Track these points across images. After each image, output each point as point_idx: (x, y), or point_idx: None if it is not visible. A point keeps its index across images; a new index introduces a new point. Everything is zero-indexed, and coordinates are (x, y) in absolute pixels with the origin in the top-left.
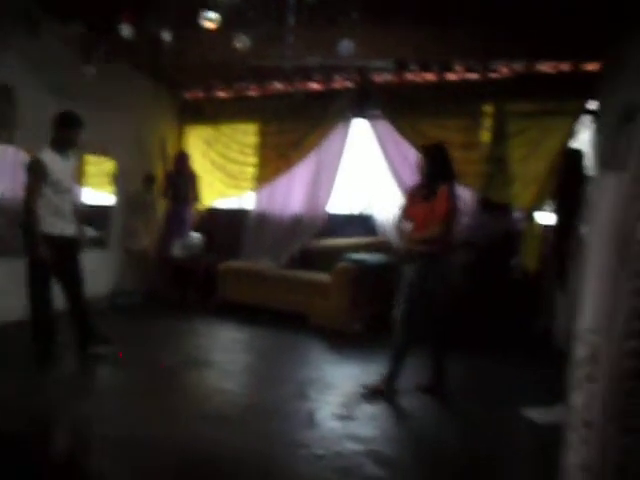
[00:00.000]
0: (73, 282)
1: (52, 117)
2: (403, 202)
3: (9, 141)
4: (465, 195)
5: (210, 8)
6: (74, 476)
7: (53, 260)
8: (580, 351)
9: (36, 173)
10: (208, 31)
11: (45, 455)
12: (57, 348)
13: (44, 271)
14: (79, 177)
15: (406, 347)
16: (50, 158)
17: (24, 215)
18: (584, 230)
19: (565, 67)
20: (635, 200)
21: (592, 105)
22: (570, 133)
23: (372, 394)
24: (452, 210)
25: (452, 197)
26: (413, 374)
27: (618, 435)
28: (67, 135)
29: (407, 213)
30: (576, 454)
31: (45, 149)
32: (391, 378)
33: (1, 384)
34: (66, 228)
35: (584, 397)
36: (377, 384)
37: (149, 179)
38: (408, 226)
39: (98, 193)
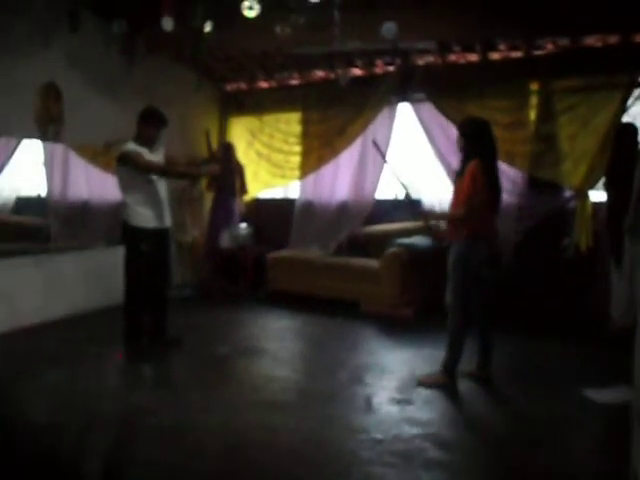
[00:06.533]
0: (165, 273)
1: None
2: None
3: (57, 138)
4: (514, 175)
5: None
6: (132, 461)
7: (150, 251)
8: None
9: (134, 157)
10: (248, 21)
11: (101, 444)
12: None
13: (140, 261)
14: None
15: (461, 332)
16: (137, 149)
17: (125, 208)
18: None
19: (613, 40)
20: None
21: None
22: (621, 107)
23: (432, 386)
24: (474, 189)
25: (477, 175)
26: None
27: None
28: (148, 131)
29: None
30: None
31: (129, 142)
32: (451, 367)
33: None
34: (163, 220)
35: None
36: (436, 377)
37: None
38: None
39: None
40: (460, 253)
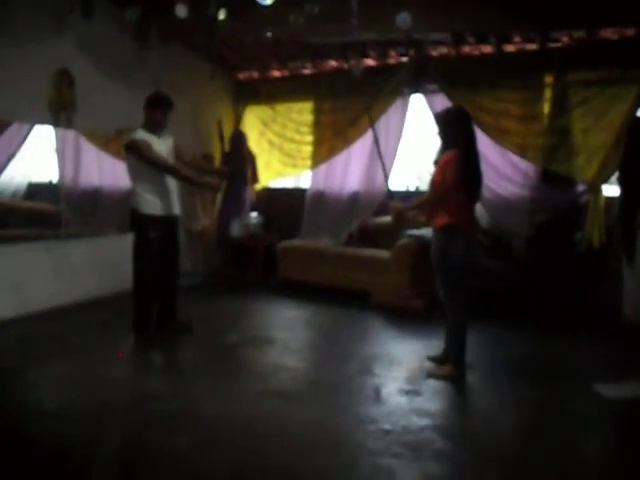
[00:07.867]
0: (174, 260)
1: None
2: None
3: (69, 125)
4: (526, 168)
5: None
6: (141, 448)
7: (158, 239)
8: None
9: (141, 147)
10: (262, 9)
11: (107, 431)
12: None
13: (149, 248)
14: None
15: (460, 324)
16: (146, 137)
17: (133, 195)
18: None
19: (629, 32)
20: None
21: None
22: (636, 102)
23: (442, 379)
24: (441, 178)
25: (447, 166)
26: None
27: None
28: (155, 116)
29: None
30: None
31: (138, 130)
32: (459, 360)
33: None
34: (172, 208)
35: None
36: (445, 369)
37: (207, 159)
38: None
39: None
40: (438, 247)
